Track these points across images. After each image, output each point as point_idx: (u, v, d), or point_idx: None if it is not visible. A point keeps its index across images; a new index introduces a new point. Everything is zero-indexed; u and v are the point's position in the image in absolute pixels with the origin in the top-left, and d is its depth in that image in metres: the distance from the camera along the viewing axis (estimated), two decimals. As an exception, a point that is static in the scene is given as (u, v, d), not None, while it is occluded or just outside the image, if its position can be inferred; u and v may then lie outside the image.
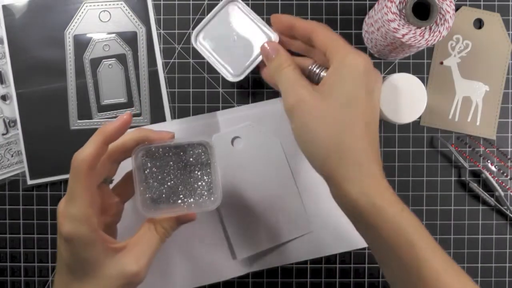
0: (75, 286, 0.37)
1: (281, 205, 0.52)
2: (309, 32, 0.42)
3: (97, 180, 0.40)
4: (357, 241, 0.52)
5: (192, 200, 0.42)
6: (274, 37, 0.46)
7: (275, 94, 0.53)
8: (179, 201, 0.42)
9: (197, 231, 0.52)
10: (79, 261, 0.36)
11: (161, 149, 0.41)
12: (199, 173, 0.42)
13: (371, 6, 0.53)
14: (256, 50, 0.47)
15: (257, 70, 0.48)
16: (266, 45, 0.45)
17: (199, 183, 0.42)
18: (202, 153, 0.42)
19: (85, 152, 0.35)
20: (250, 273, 0.53)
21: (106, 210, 0.42)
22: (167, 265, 0.52)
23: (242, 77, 0.50)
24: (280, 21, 0.45)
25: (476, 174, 0.53)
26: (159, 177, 0.41)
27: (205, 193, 0.42)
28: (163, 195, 0.41)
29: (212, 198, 0.42)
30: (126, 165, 0.43)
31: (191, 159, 0.42)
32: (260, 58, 0.47)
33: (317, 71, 0.44)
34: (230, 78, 0.50)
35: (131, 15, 0.53)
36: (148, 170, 0.41)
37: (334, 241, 0.52)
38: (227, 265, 0.52)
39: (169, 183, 0.41)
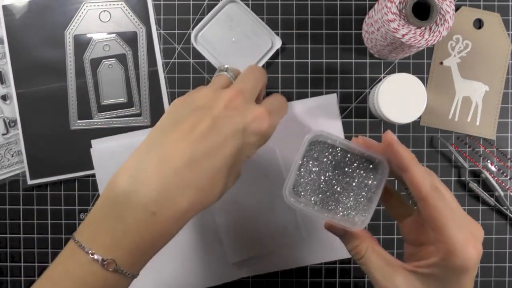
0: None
1: (274, 212, 0.52)
2: (401, 169, 0.34)
3: None
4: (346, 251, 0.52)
5: (340, 209, 0.37)
6: (274, 38, 0.46)
7: (275, 94, 0.53)
8: (332, 205, 0.38)
9: (192, 236, 0.52)
10: (241, 156, 0.37)
11: (337, 147, 0.37)
12: (362, 188, 0.37)
13: (371, 6, 0.53)
14: (256, 51, 0.47)
15: None
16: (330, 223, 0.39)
17: (359, 198, 0.37)
18: (374, 170, 0.37)
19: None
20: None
21: None
22: (162, 270, 0.52)
23: None
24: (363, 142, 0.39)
25: (476, 174, 0.53)
26: (314, 169, 0.38)
27: (353, 212, 0.37)
28: (317, 192, 0.38)
29: (357, 219, 0.37)
30: None
31: (361, 172, 0.37)
32: (262, 61, 0.46)
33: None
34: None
35: (131, 15, 0.53)
36: (312, 161, 0.38)
37: (325, 249, 0.52)
38: (222, 269, 0.52)
39: (324, 183, 0.38)
